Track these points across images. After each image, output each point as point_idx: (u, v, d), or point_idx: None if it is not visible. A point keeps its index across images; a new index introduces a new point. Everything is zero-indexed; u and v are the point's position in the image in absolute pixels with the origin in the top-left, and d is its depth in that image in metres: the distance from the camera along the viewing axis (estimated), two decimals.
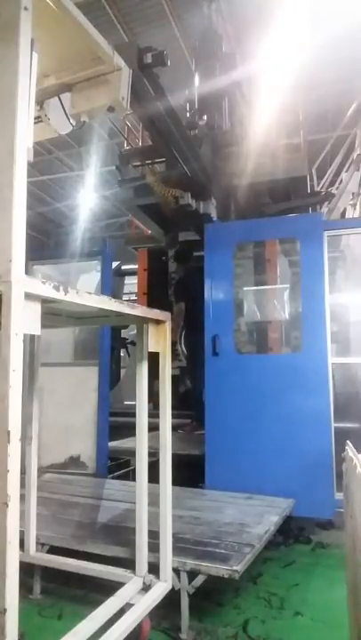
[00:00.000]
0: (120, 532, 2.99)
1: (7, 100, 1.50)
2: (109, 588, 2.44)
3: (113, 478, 4.45)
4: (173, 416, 2.55)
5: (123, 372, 7.96)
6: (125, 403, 6.68)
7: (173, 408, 2.53)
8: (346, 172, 7.56)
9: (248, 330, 4.45)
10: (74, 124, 2.45)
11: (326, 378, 3.87)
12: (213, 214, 5.08)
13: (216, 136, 5.70)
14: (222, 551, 2.66)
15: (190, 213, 4.85)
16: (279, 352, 4.37)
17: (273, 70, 6.90)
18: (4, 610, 1.32)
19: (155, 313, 2.41)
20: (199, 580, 2.51)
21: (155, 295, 6.40)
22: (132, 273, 7.53)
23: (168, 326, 2.50)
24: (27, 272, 1.50)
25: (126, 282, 8.63)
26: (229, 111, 6.29)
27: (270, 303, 4.57)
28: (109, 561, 2.68)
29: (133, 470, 3.95)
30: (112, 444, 4.73)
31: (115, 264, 6.89)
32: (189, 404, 5.91)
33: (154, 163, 4.98)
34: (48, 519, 3.17)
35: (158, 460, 2.50)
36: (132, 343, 7.38)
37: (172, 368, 2.69)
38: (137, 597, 2.34)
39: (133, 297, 7.99)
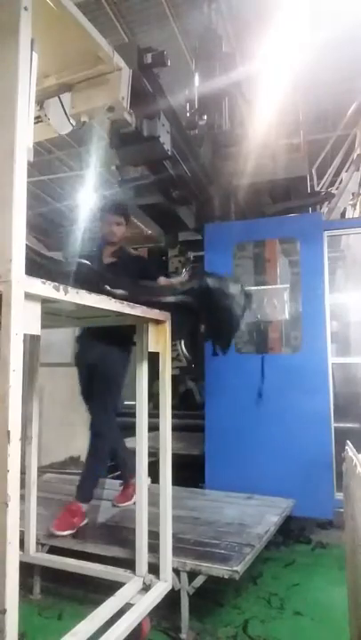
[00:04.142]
0: (120, 532, 2.99)
1: (7, 100, 1.50)
2: (109, 588, 2.44)
3: (113, 478, 4.45)
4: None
5: None
6: (125, 403, 6.66)
7: None
8: (346, 171, 7.55)
9: (248, 330, 4.44)
10: (74, 123, 2.45)
11: (326, 378, 3.87)
12: (165, 140, 3.39)
13: (216, 136, 5.70)
14: (222, 551, 2.66)
15: (131, 138, 3.21)
16: (279, 352, 4.37)
17: (273, 70, 6.89)
18: (4, 610, 1.32)
19: (155, 313, 2.41)
20: (199, 580, 2.51)
21: None
22: None
23: (168, 326, 2.50)
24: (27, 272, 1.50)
25: None
26: (229, 111, 6.28)
27: (270, 303, 4.57)
28: (109, 561, 2.68)
29: None
30: None
31: None
32: None
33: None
34: (48, 519, 3.17)
35: (158, 460, 2.50)
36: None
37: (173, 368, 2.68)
38: (137, 597, 2.34)
39: None
